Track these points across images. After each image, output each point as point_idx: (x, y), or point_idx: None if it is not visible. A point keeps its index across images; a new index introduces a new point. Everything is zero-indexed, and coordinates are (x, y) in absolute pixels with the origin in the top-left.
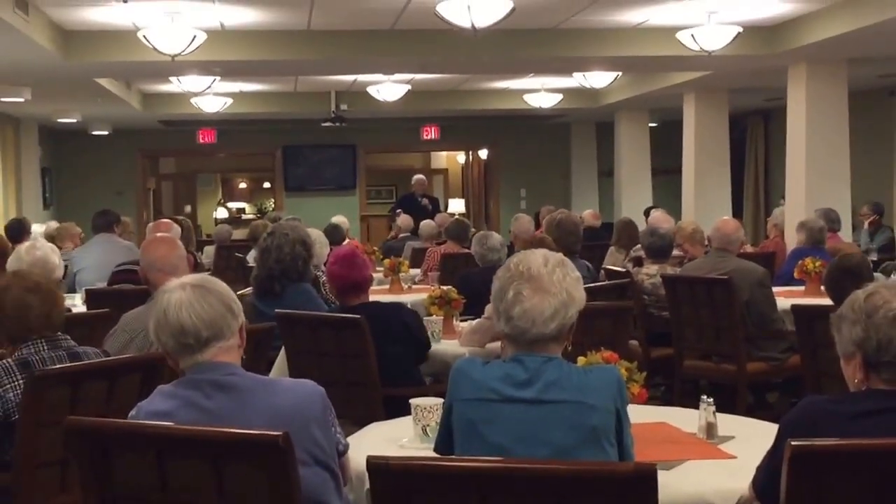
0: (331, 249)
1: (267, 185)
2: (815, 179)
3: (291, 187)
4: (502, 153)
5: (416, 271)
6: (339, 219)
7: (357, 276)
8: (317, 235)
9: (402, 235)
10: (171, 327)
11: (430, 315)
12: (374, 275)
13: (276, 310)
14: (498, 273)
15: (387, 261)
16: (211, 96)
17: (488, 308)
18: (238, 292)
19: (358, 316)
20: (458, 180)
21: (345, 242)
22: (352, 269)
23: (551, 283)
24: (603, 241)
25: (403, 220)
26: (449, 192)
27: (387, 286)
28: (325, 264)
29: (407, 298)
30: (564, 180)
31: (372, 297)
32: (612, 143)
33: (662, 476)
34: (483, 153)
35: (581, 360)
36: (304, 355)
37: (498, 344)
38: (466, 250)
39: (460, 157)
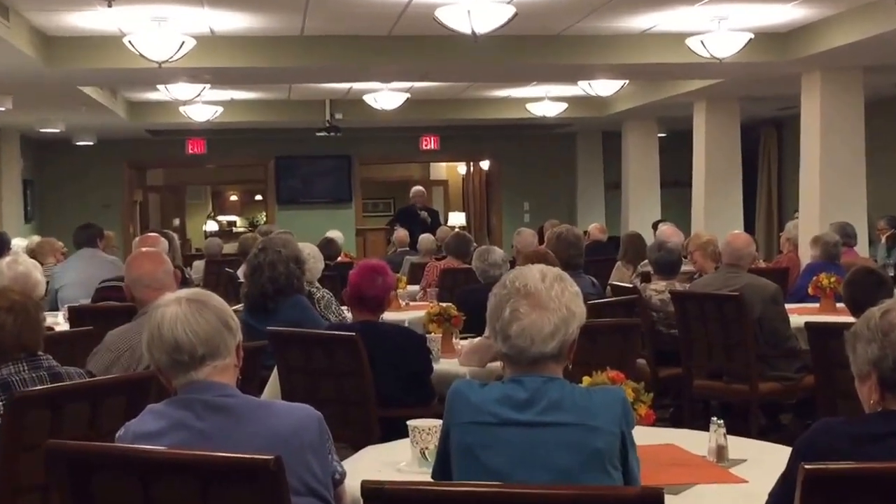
0: (325, 265)
1: (259, 197)
2: (829, 192)
3: (284, 200)
4: (505, 164)
5: (414, 287)
6: (335, 234)
7: (366, 292)
8: (311, 250)
9: (399, 250)
10: (165, 343)
11: (429, 333)
12: None
13: (269, 327)
14: (494, 290)
15: None
16: (200, 105)
17: None
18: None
19: (352, 333)
20: (458, 192)
21: (339, 259)
22: (363, 281)
23: (550, 299)
24: (609, 256)
25: (398, 235)
26: (449, 205)
27: None
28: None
29: (404, 316)
30: (569, 193)
31: None
32: (619, 153)
33: (670, 501)
34: (485, 164)
35: (586, 380)
36: (297, 374)
37: (499, 364)
38: (467, 266)
39: (461, 168)
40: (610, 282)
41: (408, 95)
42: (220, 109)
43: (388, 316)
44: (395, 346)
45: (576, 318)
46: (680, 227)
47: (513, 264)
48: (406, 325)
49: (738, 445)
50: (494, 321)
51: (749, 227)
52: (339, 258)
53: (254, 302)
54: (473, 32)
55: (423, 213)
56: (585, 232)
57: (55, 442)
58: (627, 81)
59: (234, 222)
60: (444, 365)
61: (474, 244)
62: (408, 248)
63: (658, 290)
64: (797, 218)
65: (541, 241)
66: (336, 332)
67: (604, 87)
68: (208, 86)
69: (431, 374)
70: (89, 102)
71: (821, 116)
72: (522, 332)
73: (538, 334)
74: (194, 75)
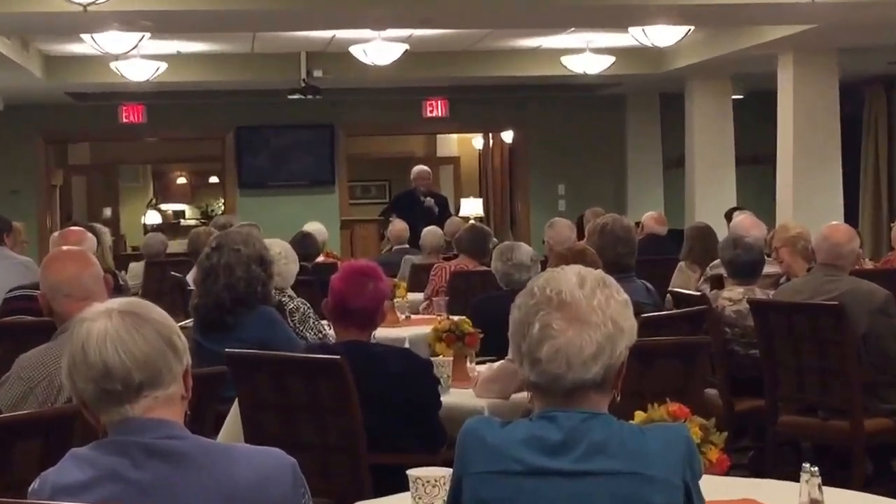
0: (301, 267)
1: (214, 179)
2: None
3: (247, 183)
4: (533, 136)
5: (416, 296)
6: (313, 226)
7: (352, 302)
8: (281, 248)
9: (397, 248)
10: (92, 368)
11: (436, 355)
12: None
13: (227, 349)
14: (518, 300)
15: None
16: (138, 60)
17: None
18: (178, 325)
19: (336, 357)
20: (473, 173)
21: (320, 259)
22: (349, 289)
23: (591, 311)
24: (669, 255)
25: (396, 228)
26: (461, 189)
27: None
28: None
29: (404, 333)
30: (617, 172)
31: None
32: (682, 121)
33: None
34: (507, 136)
35: (639, 415)
36: (265, 410)
37: (526, 395)
38: (485, 268)
39: (476, 141)
40: (670, 288)
41: (407, 47)
42: (163, 66)
43: (383, 333)
44: (392, 372)
45: (624, 334)
46: (761, 217)
47: (544, 265)
48: (406, 345)
49: (838, 500)
50: (520, 340)
51: (851, 216)
52: (319, 258)
53: (207, 316)
54: None
55: (428, 200)
56: (638, 223)
57: None
58: (692, 28)
59: (183, 213)
60: (455, 397)
61: (494, 240)
62: (407, 246)
63: (733, 298)
64: None
65: (580, 236)
66: (314, 356)
67: (662, 36)
68: (148, 35)
69: (439, 409)
70: None
71: None
72: (556, 353)
73: (576, 356)
74: (129, 21)
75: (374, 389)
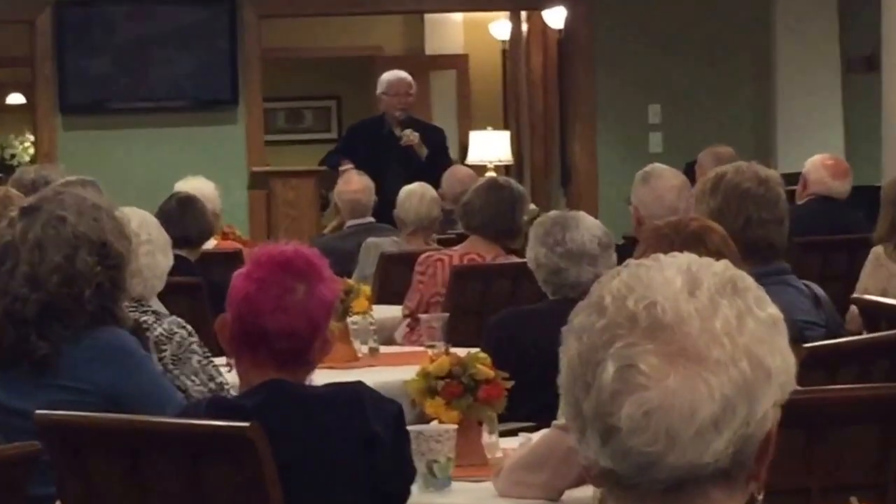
0: (177, 259)
1: (16, 99)
2: None
3: (77, 105)
4: (604, 18)
5: (389, 310)
6: (198, 185)
7: (275, 322)
8: (140, 225)
9: (352, 223)
10: None
11: (429, 420)
12: None
13: (39, 409)
14: (576, 319)
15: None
16: None
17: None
18: None
19: (243, 425)
20: (493, 85)
21: (210, 244)
22: (268, 295)
23: (710, 339)
24: (853, 232)
25: (350, 186)
26: (469, 116)
27: None
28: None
29: (365, 378)
30: (757, 83)
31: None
32: None
33: None
34: (555, 17)
35: None
36: None
37: (593, 493)
38: (517, 259)
39: (496, 28)
40: (856, 294)
41: None
42: None
43: (327, 378)
44: (342, 438)
45: (772, 381)
46: None
47: (625, 253)
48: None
49: None
50: (580, 393)
51: None
52: (210, 243)
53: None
54: None
55: (409, 135)
56: (793, 175)
57: None
58: None
59: None
60: (463, 495)
61: (532, 207)
62: (372, 219)
63: None
64: None
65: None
66: (202, 423)
67: None
68: None
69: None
70: None
71: None
72: (647, 418)
73: (684, 424)
74: None
75: (311, 474)
